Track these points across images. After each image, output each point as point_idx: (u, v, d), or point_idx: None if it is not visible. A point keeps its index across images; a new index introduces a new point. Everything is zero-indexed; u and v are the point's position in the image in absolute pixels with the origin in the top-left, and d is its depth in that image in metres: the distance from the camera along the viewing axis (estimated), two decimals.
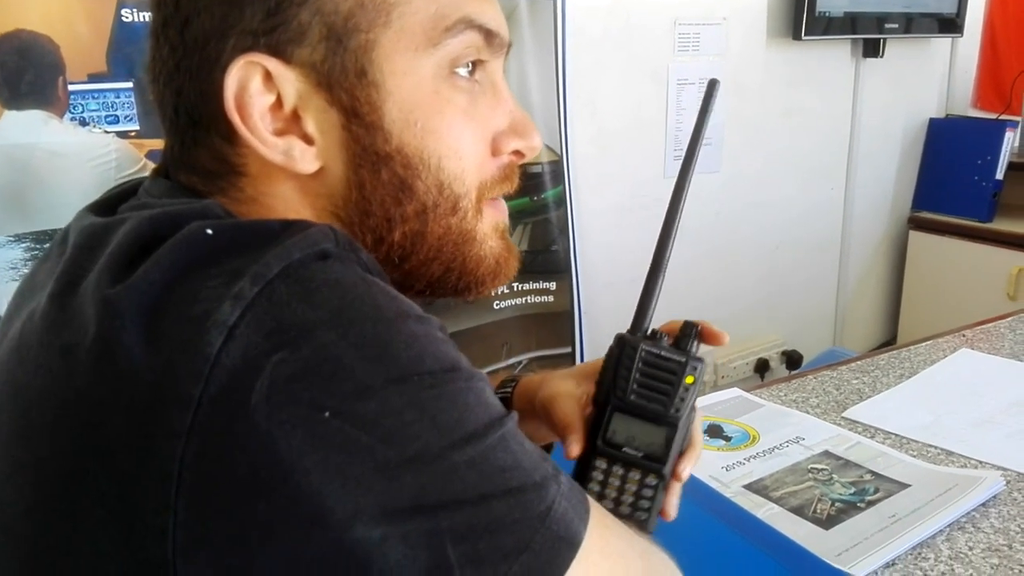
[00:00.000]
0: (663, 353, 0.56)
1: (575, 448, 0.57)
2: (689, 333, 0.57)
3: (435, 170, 0.50)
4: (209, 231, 0.42)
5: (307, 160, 0.48)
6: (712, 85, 0.59)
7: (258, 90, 0.46)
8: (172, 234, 0.42)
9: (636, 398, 0.56)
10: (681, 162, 0.59)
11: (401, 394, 0.39)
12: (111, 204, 0.51)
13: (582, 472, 0.57)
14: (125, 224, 0.44)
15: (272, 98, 0.47)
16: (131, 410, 0.38)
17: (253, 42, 0.46)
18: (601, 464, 0.57)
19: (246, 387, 0.37)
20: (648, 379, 0.56)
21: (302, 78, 0.47)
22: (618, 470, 0.56)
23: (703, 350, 0.58)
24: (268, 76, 0.47)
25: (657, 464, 0.56)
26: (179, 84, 0.48)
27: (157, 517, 0.37)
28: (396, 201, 0.50)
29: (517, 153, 0.55)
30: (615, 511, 0.54)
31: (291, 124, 0.48)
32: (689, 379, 0.55)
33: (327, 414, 0.37)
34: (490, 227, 0.55)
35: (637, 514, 0.56)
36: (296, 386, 0.37)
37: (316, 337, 0.38)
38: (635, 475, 0.56)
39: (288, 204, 0.50)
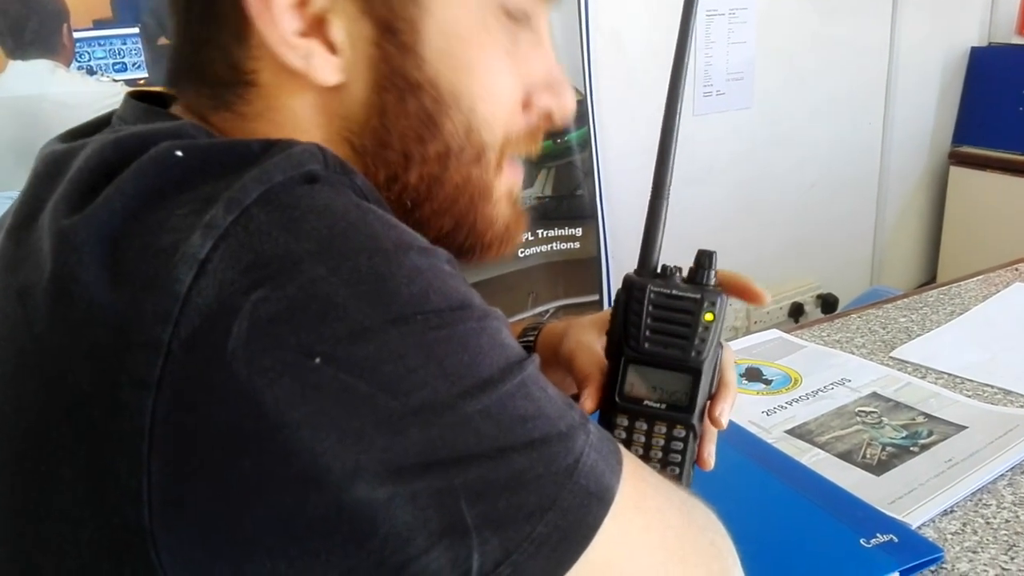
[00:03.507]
0: (675, 292, 0.51)
1: (588, 403, 0.53)
2: (704, 263, 0.52)
3: (467, 111, 0.46)
4: (179, 152, 0.37)
5: (327, 70, 0.43)
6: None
7: None
8: (139, 156, 0.37)
9: (651, 346, 0.51)
10: (670, 77, 0.55)
11: (403, 336, 0.34)
12: (84, 134, 0.46)
13: (604, 428, 0.52)
14: (87, 147, 0.39)
15: None
16: (94, 357, 0.34)
17: None
18: (622, 420, 0.52)
19: (222, 330, 0.32)
20: (661, 323, 0.51)
21: None
22: (641, 425, 0.52)
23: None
24: None
25: (683, 414, 0.51)
26: None
27: (130, 478, 0.33)
28: (418, 138, 0.45)
29: (547, 115, 0.50)
30: None
31: (315, 28, 0.43)
32: (708, 317, 0.50)
33: (317, 360, 0.33)
34: (505, 189, 0.51)
35: (669, 468, 0.52)
36: (280, 328, 0.33)
37: (302, 272, 0.34)
38: (661, 428, 0.52)
39: (298, 122, 0.44)
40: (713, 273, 0.52)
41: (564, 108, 0.51)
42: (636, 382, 0.52)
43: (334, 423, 0.33)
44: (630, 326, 0.51)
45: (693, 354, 0.50)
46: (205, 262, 0.33)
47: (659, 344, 0.51)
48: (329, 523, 0.33)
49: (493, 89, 0.46)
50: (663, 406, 0.52)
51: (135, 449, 0.33)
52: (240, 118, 0.45)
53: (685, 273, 0.53)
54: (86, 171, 0.38)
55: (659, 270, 0.53)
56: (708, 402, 0.53)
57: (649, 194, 0.54)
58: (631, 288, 0.52)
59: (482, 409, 0.35)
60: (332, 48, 0.43)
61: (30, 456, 0.36)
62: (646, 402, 0.52)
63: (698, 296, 0.50)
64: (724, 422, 0.54)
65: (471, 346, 0.36)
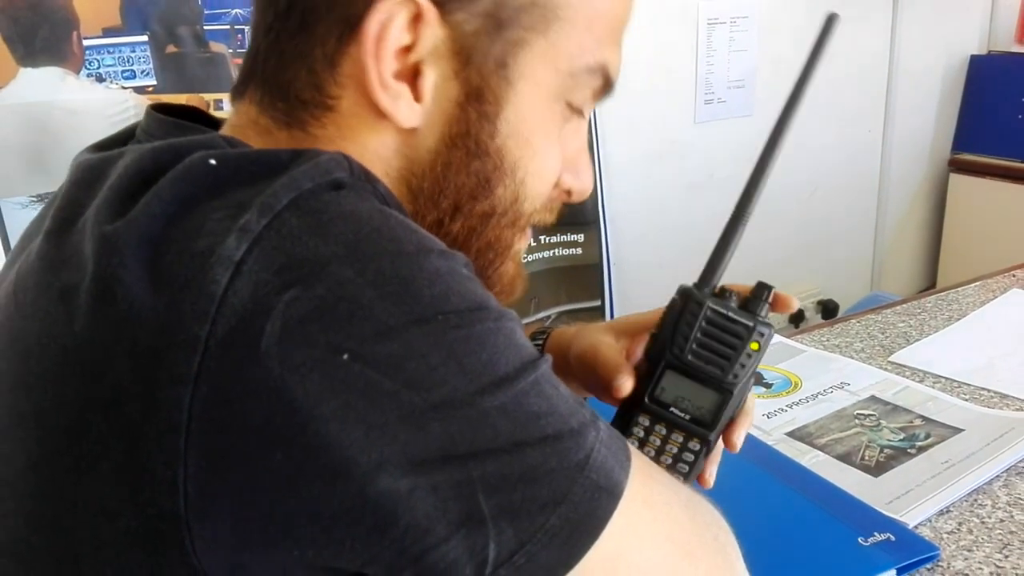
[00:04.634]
0: (730, 314, 0.52)
1: (627, 384, 0.55)
2: (760, 295, 0.53)
3: (518, 183, 0.50)
4: (212, 161, 0.39)
5: (409, 114, 0.46)
6: (830, 21, 0.56)
7: (401, 27, 0.44)
8: (174, 166, 0.39)
9: (693, 358, 0.52)
10: (783, 108, 0.57)
11: (425, 335, 0.36)
12: (112, 146, 0.48)
13: (622, 425, 0.54)
14: (125, 157, 0.41)
15: (407, 41, 0.45)
16: (134, 355, 0.35)
17: None
18: (644, 420, 0.54)
19: (256, 328, 0.34)
20: (710, 339, 0.52)
21: (444, 38, 0.45)
22: (661, 429, 0.54)
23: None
24: (416, 20, 0.44)
25: (703, 430, 0.53)
26: None
27: (167, 470, 0.35)
28: (472, 195, 0.49)
29: (567, 192, 0.54)
30: None
31: (408, 74, 0.46)
32: (754, 346, 0.52)
33: (345, 357, 0.35)
34: (516, 249, 0.54)
35: (673, 476, 0.53)
36: (311, 327, 0.35)
37: (330, 273, 0.35)
38: (678, 437, 0.53)
39: (365, 153, 0.47)
40: (767, 306, 0.53)
41: (583, 188, 0.55)
42: (669, 388, 0.53)
43: (361, 417, 0.34)
44: (678, 335, 0.52)
45: (730, 376, 0.52)
46: (240, 264, 0.35)
47: (701, 359, 0.52)
48: (355, 513, 0.35)
49: (543, 169, 0.51)
50: (687, 417, 0.53)
51: (172, 442, 0.34)
52: (311, 139, 0.46)
53: (739, 298, 0.54)
54: (125, 179, 0.39)
55: (717, 290, 0.54)
56: (728, 424, 0.54)
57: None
58: (689, 299, 0.52)
59: (499, 405, 0.37)
60: (418, 96, 0.46)
61: (69, 450, 0.37)
62: (672, 409, 0.53)
63: (751, 324, 0.51)
64: (738, 447, 0.56)
65: (489, 345, 0.38)
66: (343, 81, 0.46)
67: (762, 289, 0.53)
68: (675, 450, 0.54)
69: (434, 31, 0.45)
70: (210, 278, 0.35)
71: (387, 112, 0.45)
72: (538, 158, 0.50)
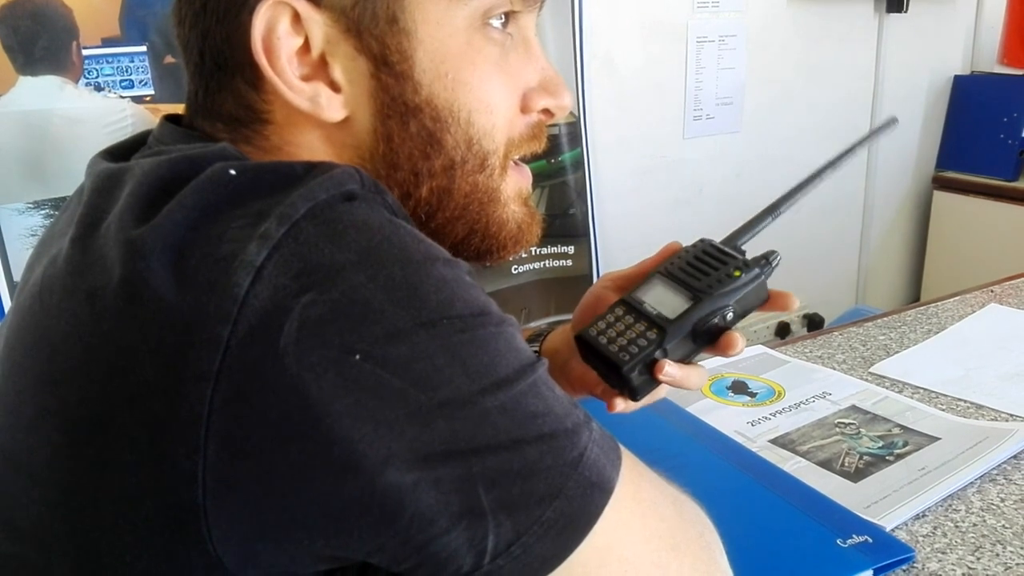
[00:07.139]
0: (726, 248, 0.59)
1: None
2: (769, 259, 0.60)
3: (464, 124, 0.50)
4: (232, 172, 0.41)
5: (333, 107, 0.48)
6: (889, 124, 0.65)
7: (286, 32, 0.46)
8: (192, 176, 0.41)
9: (679, 271, 0.59)
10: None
11: (432, 338, 0.38)
12: (124, 152, 0.50)
13: (602, 313, 0.60)
14: (142, 165, 0.43)
15: (299, 41, 0.46)
16: (159, 353, 0.37)
17: None
18: (618, 310, 0.59)
19: (275, 329, 0.37)
20: (699, 261, 0.59)
21: (331, 22, 0.47)
22: (628, 318, 0.58)
23: None
24: (296, 18, 0.46)
25: (664, 322, 0.57)
26: (205, 26, 0.47)
27: (187, 461, 0.37)
28: (424, 155, 0.49)
29: (546, 112, 0.54)
30: (605, 345, 0.57)
31: (318, 70, 0.47)
32: (736, 272, 0.57)
33: (358, 357, 0.37)
34: (514, 191, 0.54)
35: (621, 354, 0.56)
36: (326, 328, 0.37)
37: (345, 279, 0.38)
38: (640, 325, 0.57)
39: (313, 154, 0.49)
40: (768, 269, 0.60)
41: (561, 104, 0.54)
42: (650, 290, 0.59)
43: (371, 414, 0.37)
44: (677, 256, 0.60)
45: (704, 285, 0.57)
46: (261, 269, 0.37)
47: (687, 273, 0.58)
48: (363, 504, 0.37)
49: (487, 101, 0.50)
50: (655, 312, 0.58)
51: (193, 435, 0.37)
52: (260, 151, 0.49)
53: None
54: (145, 186, 0.42)
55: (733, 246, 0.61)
56: (696, 344, 0.58)
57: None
58: (699, 241, 0.60)
59: (499, 405, 0.39)
60: (335, 87, 0.48)
61: (92, 442, 0.39)
62: (645, 304, 0.58)
63: (739, 258, 0.58)
64: (739, 349, 0.58)
65: (490, 349, 0.40)
66: (268, 97, 0.48)
67: (771, 254, 0.60)
68: (632, 334, 0.57)
69: (316, 21, 0.46)
70: (233, 282, 0.37)
71: (311, 113, 0.47)
72: (476, 92, 0.49)
